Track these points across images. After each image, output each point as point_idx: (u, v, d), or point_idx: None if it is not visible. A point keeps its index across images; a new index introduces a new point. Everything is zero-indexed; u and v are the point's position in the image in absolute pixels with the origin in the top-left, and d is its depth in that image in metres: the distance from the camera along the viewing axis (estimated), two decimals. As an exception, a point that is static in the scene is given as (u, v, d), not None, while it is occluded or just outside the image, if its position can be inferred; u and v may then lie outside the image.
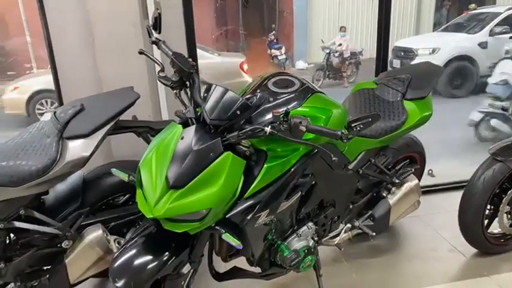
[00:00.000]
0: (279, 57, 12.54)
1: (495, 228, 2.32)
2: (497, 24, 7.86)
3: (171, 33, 2.19)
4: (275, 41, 13.15)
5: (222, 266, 1.89)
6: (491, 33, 7.82)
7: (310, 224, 1.85)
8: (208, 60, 7.97)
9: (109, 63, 2.19)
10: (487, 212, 2.24)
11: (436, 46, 7.98)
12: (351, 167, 1.95)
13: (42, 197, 1.84)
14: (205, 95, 1.45)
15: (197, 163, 1.36)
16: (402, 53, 8.49)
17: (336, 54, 9.73)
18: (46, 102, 7.44)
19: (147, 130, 1.93)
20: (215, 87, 1.44)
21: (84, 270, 1.82)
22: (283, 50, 12.63)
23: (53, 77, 2.28)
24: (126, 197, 2.04)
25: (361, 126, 1.42)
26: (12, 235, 1.76)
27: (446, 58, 7.73)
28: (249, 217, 1.49)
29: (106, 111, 1.76)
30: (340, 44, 9.63)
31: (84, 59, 2.19)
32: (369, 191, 2.18)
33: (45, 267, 1.87)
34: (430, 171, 3.33)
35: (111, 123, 1.75)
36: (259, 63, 12.34)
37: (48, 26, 2.16)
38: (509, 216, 2.26)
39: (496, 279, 2.16)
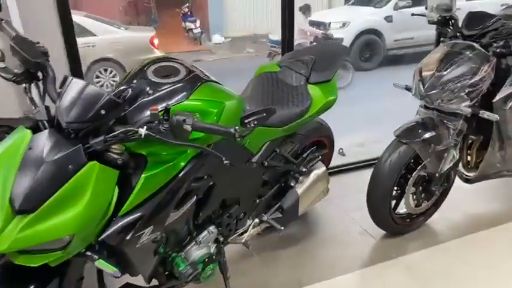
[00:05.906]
0: (194, 31, 12.03)
1: (401, 208, 2.33)
2: (400, -2, 8.18)
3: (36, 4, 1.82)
4: (189, 13, 12.55)
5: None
6: (396, 7, 8.12)
7: (212, 228, 1.66)
8: (114, 35, 7.43)
9: None
10: (394, 193, 2.23)
11: (346, 20, 8.09)
12: (254, 159, 1.77)
13: None
14: (60, 90, 1.15)
15: (52, 178, 1.08)
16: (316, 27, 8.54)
17: None
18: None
19: (5, 130, 1.57)
20: (71, 80, 1.14)
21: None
22: (197, 23, 12.10)
23: None
24: None
25: (255, 122, 1.23)
26: None
27: (356, 32, 7.91)
28: (128, 237, 1.24)
29: None
30: None
31: None
32: (276, 182, 2.04)
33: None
34: (340, 150, 3.31)
35: None
36: (173, 37, 11.72)
37: None
38: (414, 196, 2.27)
39: (403, 261, 2.16)
